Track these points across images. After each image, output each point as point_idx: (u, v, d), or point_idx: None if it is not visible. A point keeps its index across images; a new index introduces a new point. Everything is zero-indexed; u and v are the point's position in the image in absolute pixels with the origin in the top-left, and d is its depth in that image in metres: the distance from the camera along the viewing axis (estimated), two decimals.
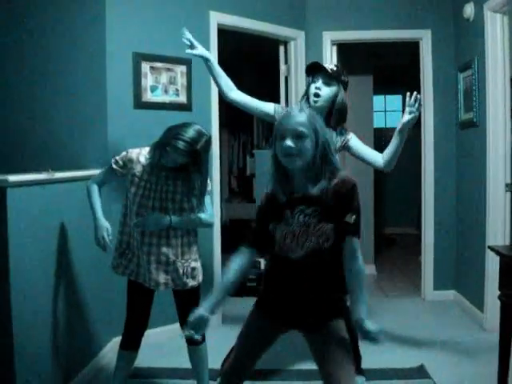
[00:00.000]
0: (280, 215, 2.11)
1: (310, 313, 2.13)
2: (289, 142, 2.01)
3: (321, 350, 2.13)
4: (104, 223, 2.81)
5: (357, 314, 2.04)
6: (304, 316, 2.14)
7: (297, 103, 3.31)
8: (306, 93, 3.18)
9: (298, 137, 2.01)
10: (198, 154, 2.63)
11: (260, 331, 2.23)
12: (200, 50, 3.03)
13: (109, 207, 3.04)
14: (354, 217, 2.03)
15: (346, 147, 3.17)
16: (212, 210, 2.87)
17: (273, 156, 2.10)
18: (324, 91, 3.07)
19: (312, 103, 3.08)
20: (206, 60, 3.07)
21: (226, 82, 3.12)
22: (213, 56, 3.15)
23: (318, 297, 2.11)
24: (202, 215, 2.79)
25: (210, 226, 2.94)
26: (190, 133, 2.60)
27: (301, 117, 2.05)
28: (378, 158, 3.17)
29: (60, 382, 2.94)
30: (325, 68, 3.09)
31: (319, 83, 3.07)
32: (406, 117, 2.96)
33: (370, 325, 2.03)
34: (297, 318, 2.16)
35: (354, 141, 3.17)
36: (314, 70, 3.13)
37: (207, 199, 2.81)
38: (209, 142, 2.68)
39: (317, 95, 3.07)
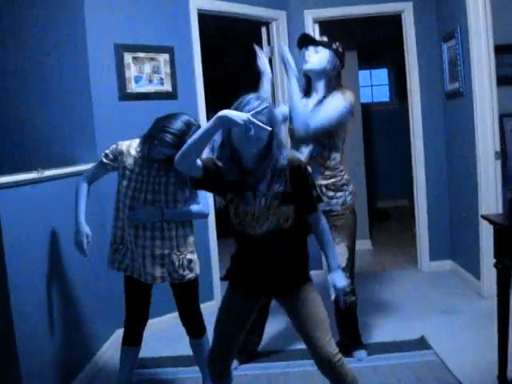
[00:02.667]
0: (239, 192, 2.18)
1: (279, 281, 2.26)
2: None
3: (295, 313, 2.27)
4: (84, 228, 2.75)
5: (332, 265, 2.29)
6: (274, 284, 2.27)
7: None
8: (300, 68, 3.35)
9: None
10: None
11: (235, 308, 2.33)
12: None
13: (100, 202, 3.02)
14: (314, 194, 2.24)
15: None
16: (207, 201, 2.82)
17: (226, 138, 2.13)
18: (312, 57, 3.24)
19: (303, 66, 3.29)
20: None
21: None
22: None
23: (284, 270, 2.24)
24: (196, 207, 2.76)
25: (204, 217, 2.90)
26: (178, 125, 2.56)
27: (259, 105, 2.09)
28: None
29: (64, 377, 2.96)
30: (310, 36, 3.34)
31: (309, 50, 3.26)
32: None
33: (340, 279, 2.28)
34: (267, 287, 2.29)
35: (327, 100, 3.20)
36: (305, 42, 3.31)
37: (201, 190, 2.76)
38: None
39: (306, 59, 3.25)
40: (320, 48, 3.24)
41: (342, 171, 3.28)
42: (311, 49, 3.25)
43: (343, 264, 3.17)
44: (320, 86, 3.26)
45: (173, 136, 2.54)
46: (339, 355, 2.21)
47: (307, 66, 3.25)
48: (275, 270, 2.24)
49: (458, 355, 3.20)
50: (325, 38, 3.30)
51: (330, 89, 3.23)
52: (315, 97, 3.27)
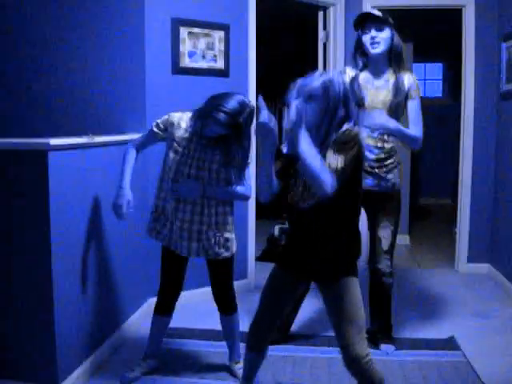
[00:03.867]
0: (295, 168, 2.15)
1: (322, 265, 2.22)
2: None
3: (332, 304, 2.24)
4: (127, 193, 2.78)
5: None
6: (316, 267, 2.24)
7: (339, 71, 3.30)
8: (359, 47, 3.22)
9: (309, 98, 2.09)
10: (239, 126, 2.59)
11: (280, 283, 2.34)
12: None
13: (144, 170, 3.06)
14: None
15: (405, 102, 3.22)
16: (250, 184, 2.82)
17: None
18: (380, 37, 3.12)
19: (371, 51, 3.14)
20: None
21: None
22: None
23: (330, 247, 2.20)
24: (239, 188, 2.74)
25: (246, 199, 2.89)
26: (232, 104, 2.56)
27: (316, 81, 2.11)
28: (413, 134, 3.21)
29: (94, 341, 3.05)
30: (374, 14, 3.15)
31: (373, 31, 3.12)
32: None
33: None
34: (310, 269, 2.26)
35: (411, 105, 3.21)
36: (363, 20, 3.17)
37: (246, 172, 2.75)
38: (252, 114, 2.63)
39: (375, 43, 3.12)
40: (384, 27, 3.13)
41: (395, 153, 3.25)
42: (373, 30, 3.12)
43: (385, 248, 3.19)
44: (385, 67, 3.19)
45: (227, 116, 2.54)
46: (368, 357, 2.17)
47: (378, 50, 3.12)
48: (317, 251, 2.21)
49: (485, 359, 3.16)
50: (379, 13, 3.18)
51: (401, 69, 3.19)
52: (382, 79, 3.20)
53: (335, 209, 2.14)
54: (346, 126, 2.13)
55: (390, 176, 3.21)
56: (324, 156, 2.06)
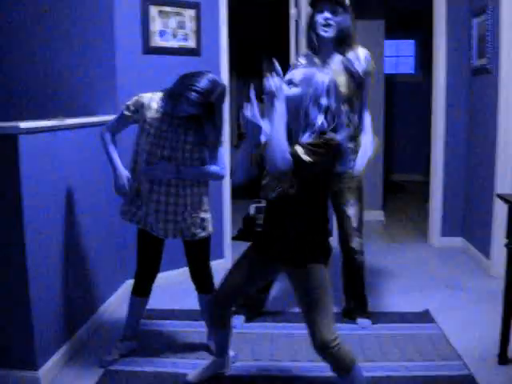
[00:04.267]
0: None
1: (289, 249, 2.26)
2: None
3: (298, 290, 2.30)
4: (124, 172, 2.79)
5: None
6: (284, 251, 2.28)
7: (302, 55, 3.26)
8: (310, 26, 3.14)
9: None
10: (212, 105, 2.57)
11: (250, 263, 2.40)
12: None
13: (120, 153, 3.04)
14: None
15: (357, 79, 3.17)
16: (224, 163, 2.81)
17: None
18: (334, 20, 3.05)
19: (322, 34, 3.07)
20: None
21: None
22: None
23: (296, 235, 2.24)
24: (213, 167, 2.74)
25: (220, 178, 2.89)
26: (204, 83, 2.54)
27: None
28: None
29: (72, 324, 3.04)
30: None
31: (327, 13, 3.05)
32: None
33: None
34: (278, 253, 2.30)
35: (370, 74, 3.20)
36: (322, 1, 3.07)
37: (220, 151, 2.75)
38: (223, 92, 2.62)
39: (327, 25, 3.05)
40: (339, 9, 3.05)
41: (357, 137, 3.25)
42: (327, 11, 3.04)
43: (355, 225, 3.24)
44: (335, 48, 3.14)
45: (199, 95, 2.52)
46: (336, 341, 2.20)
47: (329, 34, 3.06)
48: (284, 238, 2.26)
49: (460, 331, 3.23)
50: None
51: (347, 48, 3.14)
52: (335, 61, 3.15)
53: (301, 201, 2.18)
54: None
55: (351, 157, 3.21)
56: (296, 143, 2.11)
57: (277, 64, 2.14)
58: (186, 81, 2.57)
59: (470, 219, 4.91)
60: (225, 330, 2.60)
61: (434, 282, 4.14)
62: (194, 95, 2.52)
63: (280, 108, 2.09)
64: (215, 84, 2.57)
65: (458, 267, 4.49)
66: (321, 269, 2.25)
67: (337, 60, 3.16)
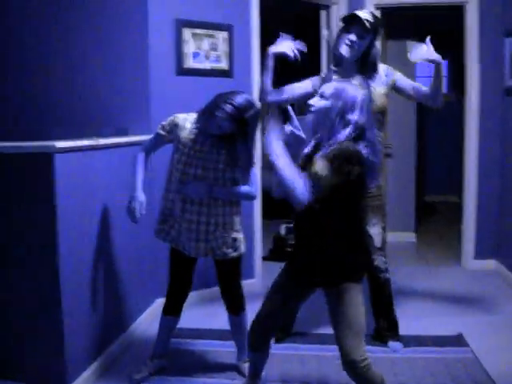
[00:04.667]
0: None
1: (325, 269, 2.24)
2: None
3: (332, 308, 2.28)
4: (140, 196, 2.83)
5: None
6: (320, 272, 2.26)
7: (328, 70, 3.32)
8: (336, 43, 3.17)
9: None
10: (245, 122, 2.60)
11: (286, 286, 2.38)
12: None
13: (150, 172, 3.08)
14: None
15: (394, 88, 3.23)
16: (256, 184, 2.84)
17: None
18: (358, 44, 3.07)
19: (342, 52, 3.09)
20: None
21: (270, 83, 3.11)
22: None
23: (329, 254, 2.22)
24: (245, 188, 2.76)
25: (252, 199, 2.91)
26: (240, 99, 2.60)
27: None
28: (425, 88, 3.21)
29: (103, 343, 3.06)
30: (362, 21, 3.03)
31: (353, 35, 3.06)
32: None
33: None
34: (314, 274, 2.28)
35: (399, 77, 3.23)
36: (351, 20, 3.09)
37: (252, 172, 2.77)
38: (257, 113, 2.66)
39: (350, 46, 3.07)
40: (366, 35, 3.05)
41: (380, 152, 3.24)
42: (354, 34, 3.05)
43: (379, 245, 3.23)
44: (354, 72, 3.15)
45: (234, 108, 2.57)
46: (366, 361, 2.20)
47: (348, 54, 3.07)
48: (313, 254, 2.25)
49: (494, 355, 3.16)
50: (370, 18, 3.05)
51: (372, 73, 3.17)
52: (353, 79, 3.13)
53: (329, 215, 2.16)
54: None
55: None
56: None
57: (291, 110, 2.22)
58: (223, 96, 2.63)
59: (503, 241, 4.82)
60: (262, 353, 2.55)
61: (467, 305, 4.06)
62: (229, 107, 2.56)
63: (279, 149, 2.10)
64: (250, 102, 2.63)
65: (492, 290, 4.40)
66: (357, 288, 2.25)
67: (358, 80, 3.15)
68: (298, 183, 2.02)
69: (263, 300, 2.44)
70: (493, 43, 4.77)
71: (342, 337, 2.22)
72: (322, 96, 2.20)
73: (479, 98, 4.87)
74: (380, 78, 3.19)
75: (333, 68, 3.24)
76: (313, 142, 2.27)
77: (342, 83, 2.26)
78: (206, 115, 2.66)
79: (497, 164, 4.89)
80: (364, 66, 3.15)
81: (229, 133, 2.64)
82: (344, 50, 3.09)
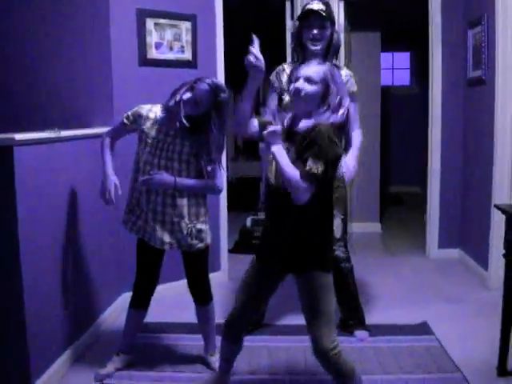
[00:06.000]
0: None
1: (297, 255, 2.25)
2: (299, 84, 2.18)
3: (302, 295, 2.30)
4: (112, 177, 2.79)
5: None
6: (291, 258, 2.27)
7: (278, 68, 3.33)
8: (297, 40, 3.20)
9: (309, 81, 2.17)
10: (219, 104, 2.61)
11: (258, 277, 2.38)
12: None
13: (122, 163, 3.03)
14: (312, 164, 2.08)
15: None
16: (222, 177, 2.82)
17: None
18: (323, 35, 3.11)
19: (311, 48, 3.12)
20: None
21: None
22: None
23: (298, 240, 2.23)
24: (211, 181, 2.74)
25: (217, 193, 2.89)
26: (215, 80, 2.65)
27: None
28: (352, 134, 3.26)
29: (69, 337, 3.01)
30: (318, 12, 3.08)
31: (315, 30, 3.10)
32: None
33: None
34: (285, 260, 2.29)
35: (351, 108, 3.18)
36: (307, 16, 3.12)
37: (220, 164, 2.74)
38: (225, 105, 2.65)
39: (317, 39, 3.10)
40: (326, 24, 3.11)
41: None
42: (315, 28, 3.09)
43: (338, 236, 3.24)
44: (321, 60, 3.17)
45: (213, 82, 2.61)
46: (336, 349, 2.22)
47: (318, 47, 3.11)
48: (285, 241, 2.25)
49: (459, 343, 3.20)
50: (323, 6, 3.09)
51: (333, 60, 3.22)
52: None
53: (309, 205, 2.15)
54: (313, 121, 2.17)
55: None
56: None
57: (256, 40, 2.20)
58: (191, 80, 2.64)
59: (467, 230, 4.90)
60: (237, 346, 2.55)
61: (431, 293, 4.12)
62: (208, 79, 2.60)
63: (280, 151, 2.12)
64: (224, 87, 2.65)
65: (456, 279, 4.47)
66: (327, 276, 2.26)
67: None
68: (300, 183, 2.05)
69: (236, 294, 2.43)
70: (456, 35, 4.82)
71: (313, 325, 2.23)
72: (308, 80, 2.17)
73: (442, 89, 4.93)
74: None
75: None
76: (290, 115, 2.28)
77: (323, 65, 2.26)
78: (180, 95, 2.63)
79: (459, 154, 4.97)
80: (330, 53, 3.18)
81: (201, 115, 2.63)
82: (311, 44, 3.12)
